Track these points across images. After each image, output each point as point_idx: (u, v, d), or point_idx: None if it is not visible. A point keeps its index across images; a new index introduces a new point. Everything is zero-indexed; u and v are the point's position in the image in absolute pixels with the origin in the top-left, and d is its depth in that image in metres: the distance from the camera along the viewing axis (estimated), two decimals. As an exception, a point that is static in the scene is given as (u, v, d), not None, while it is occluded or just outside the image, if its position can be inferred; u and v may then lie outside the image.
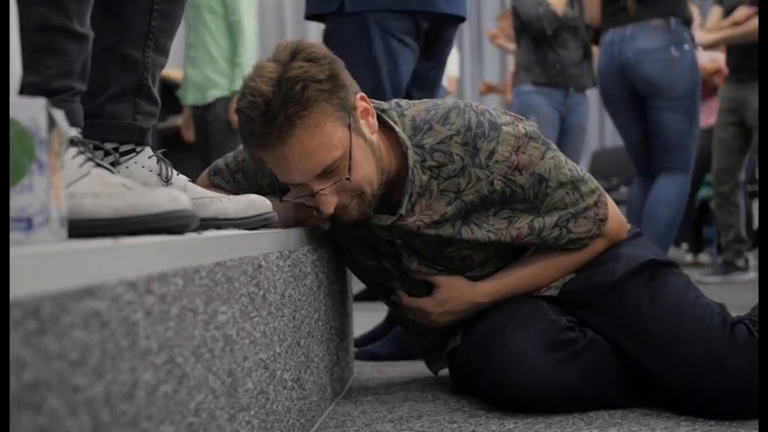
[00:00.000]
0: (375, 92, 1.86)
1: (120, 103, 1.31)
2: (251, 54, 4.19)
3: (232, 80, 4.19)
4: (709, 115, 5.24)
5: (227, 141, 4.09)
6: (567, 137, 4.14)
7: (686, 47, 3.28)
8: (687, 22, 3.30)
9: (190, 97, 4.41)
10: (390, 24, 2.06)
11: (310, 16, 2.18)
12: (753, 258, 5.01)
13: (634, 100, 3.40)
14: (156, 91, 1.37)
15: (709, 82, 5.08)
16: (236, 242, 1.10)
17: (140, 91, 1.34)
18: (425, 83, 2.24)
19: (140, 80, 1.33)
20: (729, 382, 1.48)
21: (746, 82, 4.34)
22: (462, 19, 2.21)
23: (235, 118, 3.92)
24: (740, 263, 4.67)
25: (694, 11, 4.90)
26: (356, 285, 2.73)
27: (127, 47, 1.31)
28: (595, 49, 4.23)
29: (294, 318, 1.36)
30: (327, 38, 2.09)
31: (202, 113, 4.33)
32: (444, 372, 1.92)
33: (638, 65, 3.31)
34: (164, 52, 1.37)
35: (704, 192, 5.62)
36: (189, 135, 4.51)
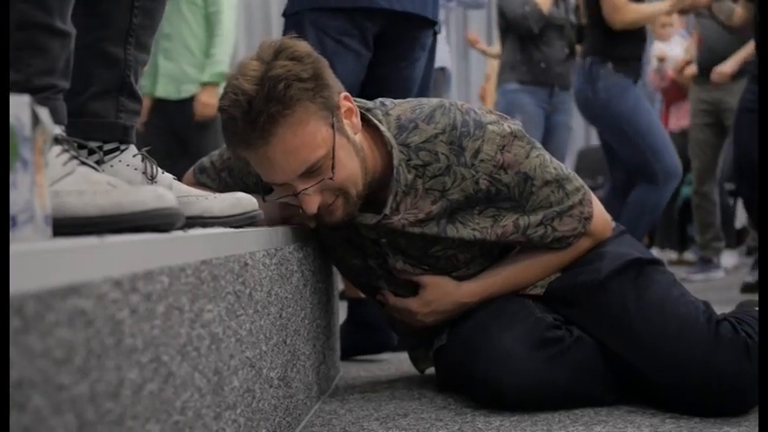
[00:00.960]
0: None
1: (102, 102, 1.30)
2: (228, 47, 4.01)
3: (203, 71, 3.97)
4: (679, 118, 5.28)
5: (203, 138, 3.91)
6: (551, 135, 4.16)
7: (600, 84, 3.42)
8: (607, 57, 3.41)
9: (161, 89, 4.08)
10: (325, 24, 2.06)
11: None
12: (731, 257, 5.05)
13: None
14: (138, 88, 1.36)
15: (679, 80, 5.13)
16: (222, 240, 1.10)
17: (123, 89, 1.33)
18: (400, 82, 2.23)
19: (123, 78, 1.32)
20: (714, 379, 1.49)
21: (723, 83, 4.38)
22: (423, 18, 2.18)
23: (202, 109, 3.85)
24: (716, 260, 4.73)
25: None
26: (342, 284, 2.73)
27: (108, 44, 1.30)
28: (579, 48, 4.27)
29: (280, 316, 1.36)
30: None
31: (174, 108, 4.04)
32: (431, 370, 1.92)
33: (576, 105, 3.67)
34: (145, 49, 1.36)
35: (686, 190, 5.65)
36: (139, 127, 4.31)
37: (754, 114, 2.83)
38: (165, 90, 4.07)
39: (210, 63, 3.92)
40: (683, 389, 1.51)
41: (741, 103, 3.20)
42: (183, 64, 4.01)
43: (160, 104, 4.06)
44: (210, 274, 1.01)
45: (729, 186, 5.25)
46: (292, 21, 2.10)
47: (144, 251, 0.84)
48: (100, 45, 1.30)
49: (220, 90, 3.93)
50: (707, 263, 4.64)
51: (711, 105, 4.47)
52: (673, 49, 5.38)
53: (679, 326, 1.54)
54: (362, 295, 2.00)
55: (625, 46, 3.41)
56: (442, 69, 3.79)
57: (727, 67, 4.30)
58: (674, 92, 5.38)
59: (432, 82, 2.39)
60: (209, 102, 3.86)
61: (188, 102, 3.99)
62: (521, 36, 4.14)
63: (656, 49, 5.57)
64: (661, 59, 5.41)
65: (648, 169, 3.39)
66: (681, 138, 5.18)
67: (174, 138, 4.03)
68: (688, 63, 4.92)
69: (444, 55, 3.63)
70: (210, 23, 3.99)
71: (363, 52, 2.13)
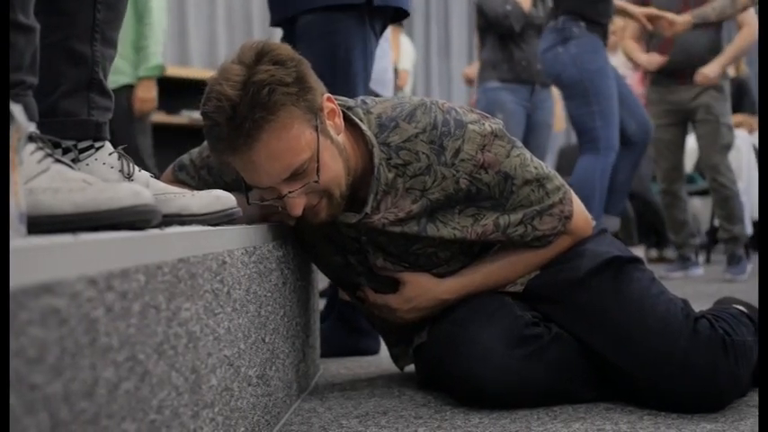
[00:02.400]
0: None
1: (72, 100, 1.28)
2: (159, 36, 3.82)
3: (137, 66, 3.78)
4: None
5: (129, 132, 3.74)
6: (532, 133, 4.18)
7: (573, 42, 3.44)
8: (581, 17, 3.43)
9: None
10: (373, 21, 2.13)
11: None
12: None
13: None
14: (107, 84, 1.35)
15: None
16: (200, 238, 1.09)
17: (92, 85, 1.31)
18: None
19: (91, 74, 1.31)
20: (691, 376, 1.50)
21: (690, 84, 4.41)
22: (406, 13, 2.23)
23: (140, 105, 3.74)
24: (693, 257, 4.76)
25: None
26: (323, 282, 2.72)
27: (74, 42, 1.28)
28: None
29: (259, 314, 1.36)
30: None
31: None
32: (411, 368, 1.92)
33: (541, 64, 3.66)
34: (112, 44, 1.35)
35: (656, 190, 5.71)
36: None
37: None
38: None
39: (144, 57, 3.74)
40: (661, 386, 1.52)
41: None
42: None
43: None
44: (188, 273, 1.01)
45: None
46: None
47: (120, 249, 0.83)
48: (66, 43, 1.28)
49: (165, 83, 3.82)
50: (685, 260, 4.68)
51: (676, 105, 4.51)
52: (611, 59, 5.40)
53: (657, 323, 1.55)
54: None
55: (597, 6, 3.45)
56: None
57: (712, 70, 4.32)
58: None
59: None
60: (146, 97, 3.72)
61: (115, 93, 3.87)
62: (501, 35, 4.16)
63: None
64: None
65: (593, 134, 3.42)
66: None
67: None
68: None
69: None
70: (139, 11, 3.80)
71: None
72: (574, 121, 3.53)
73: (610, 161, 3.45)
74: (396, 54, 4.62)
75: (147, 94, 3.73)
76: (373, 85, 3.16)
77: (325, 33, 2.07)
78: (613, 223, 3.67)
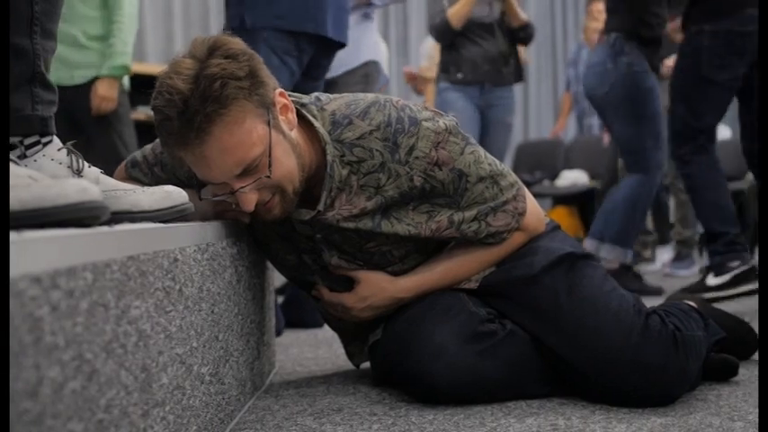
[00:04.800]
0: None
1: (16, 95, 1.26)
2: (129, 35, 3.63)
3: (105, 58, 3.60)
4: None
5: (103, 127, 3.61)
6: (488, 132, 4.21)
7: (623, 59, 3.40)
8: (634, 36, 3.40)
9: (53, 75, 3.71)
10: (274, 43, 2.29)
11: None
12: (666, 252, 5.16)
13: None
14: (50, 78, 1.32)
15: None
16: (151, 235, 1.08)
17: (35, 79, 1.29)
18: None
19: (33, 68, 1.28)
20: (642, 371, 1.52)
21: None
22: (342, 45, 2.48)
23: (99, 102, 3.65)
24: (647, 254, 4.83)
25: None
26: (279, 279, 2.71)
27: (13, 36, 1.25)
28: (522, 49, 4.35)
29: (212, 312, 1.35)
30: None
31: (70, 95, 3.51)
32: (366, 365, 1.92)
33: (584, 79, 3.60)
34: (52, 36, 1.32)
35: None
36: None
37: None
38: (56, 75, 3.58)
39: (109, 55, 3.59)
40: (612, 380, 1.53)
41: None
42: (75, 47, 3.64)
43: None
44: (138, 270, 1.00)
45: (666, 181, 5.38)
46: (246, 35, 2.17)
47: (66, 246, 0.82)
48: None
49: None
50: (635, 256, 4.75)
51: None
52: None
53: (610, 318, 1.56)
54: None
55: (650, 29, 3.42)
56: (375, 63, 3.81)
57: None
58: None
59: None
60: (106, 95, 3.58)
61: (83, 88, 3.63)
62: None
63: (584, 55, 5.66)
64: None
65: (644, 154, 3.42)
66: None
67: (74, 127, 3.67)
68: None
69: (375, 48, 3.64)
70: (109, 7, 3.64)
71: (296, 72, 2.37)
72: (621, 141, 3.50)
73: (657, 181, 3.48)
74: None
75: (108, 93, 3.61)
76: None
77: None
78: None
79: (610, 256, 3.41)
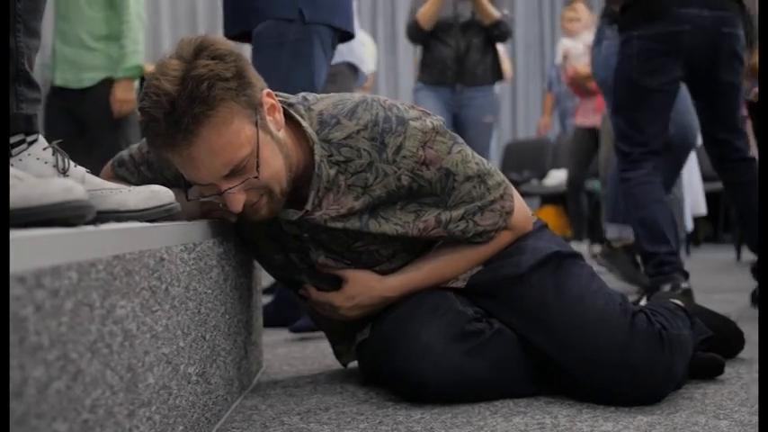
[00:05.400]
0: (307, 90, 1.98)
1: None
2: (138, 33, 3.63)
3: (116, 61, 3.61)
4: (585, 115, 5.38)
5: (109, 129, 3.61)
6: (466, 132, 4.19)
7: (604, 43, 3.45)
8: (612, 18, 3.40)
9: (59, 77, 3.68)
10: (324, 38, 2.43)
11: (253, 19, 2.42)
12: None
13: None
14: (34, 76, 1.31)
15: (582, 86, 5.24)
16: (137, 234, 1.08)
17: (19, 78, 1.28)
18: None
19: (17, 66, 1.27)
20: (629, 369, 1.52)
21: None
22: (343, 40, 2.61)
23: (119, 107, 3.64)
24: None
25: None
26: (266, 279, 2.71)
27: None
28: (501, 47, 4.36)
29: (199, 311, 1.34)
30: (267, 35, 2.38)
31: (76, 98, 3.66)
32: (354, 364, 1.92)
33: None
34: (35, 34, 1.31)
35: (597, 186, 5.79)
36: None
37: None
38: (63, 78, 3.70)
39: (122, 56, 3.58)
40: (599, 379, 1.54)
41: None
42: (82, 49, 3.63)
43: (60, 93, 3.71)
44: (124, 270, 0.99)
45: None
46: (299, 27, 2.38)
47: (50, 246, 0.82)
48: None
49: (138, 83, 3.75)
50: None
51: None
52: (577, 46, 5.46)
53: (596, 318, 1.57)
54: None
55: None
56: (346, 64, 3.84)
57: None
58: (576, 90, 5.46)
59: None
60: (124, 98, 3.59)
61: (90, 91, 3.65)
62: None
63: (562, 45, 5.68)
64: (564, 57, 5.52)
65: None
66: (587, 135, 5.29)
67: (79, 130, 3.69)
68: (588, 76, 4.95)
69: (348, 49, 3.65)
70: (114, 6, 3.63)
71: (327, 66, 2.50)
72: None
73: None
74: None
75: (126, 96, 3.58)
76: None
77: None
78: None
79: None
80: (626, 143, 2.82)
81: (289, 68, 2.35)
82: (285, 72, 2.33)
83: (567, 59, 5.46)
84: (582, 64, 5.14)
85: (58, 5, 3.69)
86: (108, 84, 3.65)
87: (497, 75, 4.28)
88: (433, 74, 4.19)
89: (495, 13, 4.14)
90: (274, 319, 2.65)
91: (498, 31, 4.17)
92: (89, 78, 3.65)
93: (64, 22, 3.65)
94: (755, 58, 2.96)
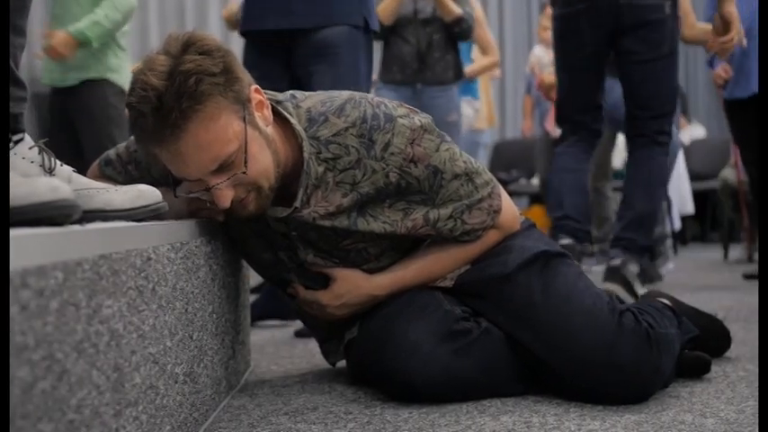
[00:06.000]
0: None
1: None
2: (116, 13, 3.58)
3: (100, 59, 3.61)
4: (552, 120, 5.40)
5: (98, 129, 3.58)
6: None
7: None
8: None
9: (46, 77, 3.70)
10: (370, 43, 2.61)
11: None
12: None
13: None
14: (20, 74, 1.31)
15: (548, 93, 5.23)
16: (123, 234, 1.07)
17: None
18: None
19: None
20: (616, 368, 1.53)
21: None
22: None
23: (48, 50, 3.58)
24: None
25: None
26: (254, 278, 2.70)
27: None
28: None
29: (186, 311, 1.34)
30: (335, 41, 2.48)
31: (64, 97, 3.67)
32: (342, 363, 1.92)
33: None
34: (21, 32, 1.30)
35: None
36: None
37: None
38: (50, 77, 3.71)
39: (86, 18, 3.51)
40: (587, 378, 1.54)
41: None
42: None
43: (54, 92, 3.73)
44: (110, 269, 0.99)
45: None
46: (365, 35, 2.55)
47: (35, 245, 0.81)
48: None
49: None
50: (605, 254, 4.78)
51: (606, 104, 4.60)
52: (545, 55, 5.46)
53: (584, 317, 1.57)
54: None
55: None
56: None
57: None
58: (546, 96, 5.46)
59: None
60: (57, 48, 3.47)
61: (75, 89, 3.64)
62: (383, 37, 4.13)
63: (532, 54, 5.70)
64: (531, 69, 5.57)
65: None
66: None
67: (67, 127, 3.69)
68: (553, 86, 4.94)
69: None
70: (99, 4, 3.60)
71: None
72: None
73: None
74: None
75: (60, 48, 3.47)
76: None
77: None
78: None
79: None
80: (560, 119, 3.14)
81: (364, 72, 2.54)
82: (364, 74, 2.53)
83: (534, 69, 5.52)
84: (547, 72, 5.12)
85: (54, 6, 3.70)
86: (92, 84, 3.65)
87: (458, 74, 4.13)
88: (393, 71, 4.05)
89: (457, 9, 3.96)
90: (261, 312, 2.67)
91: (459, 29, 3.99)
92: (73, 78, 3.64)
93: (57, 22, 3.63)
94: (729, 7, 2.94)
